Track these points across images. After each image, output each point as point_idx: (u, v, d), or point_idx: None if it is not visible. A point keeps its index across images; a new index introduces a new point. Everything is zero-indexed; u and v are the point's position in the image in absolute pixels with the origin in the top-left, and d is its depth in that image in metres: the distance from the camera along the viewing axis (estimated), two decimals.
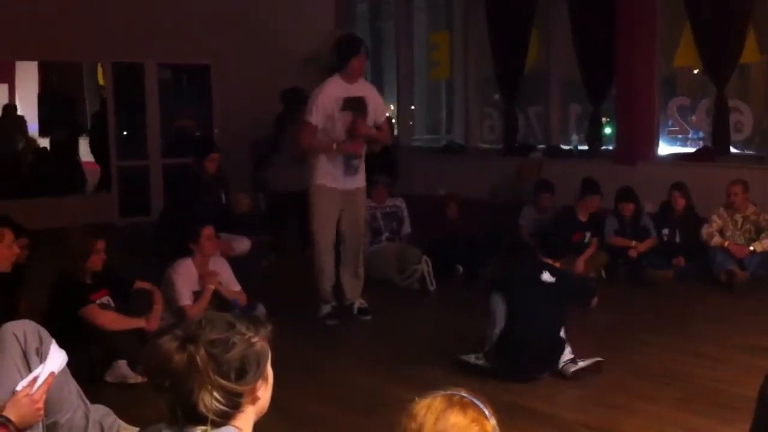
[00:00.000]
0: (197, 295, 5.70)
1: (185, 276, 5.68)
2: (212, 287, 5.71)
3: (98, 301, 5.16)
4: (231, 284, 5.93)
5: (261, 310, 5.99)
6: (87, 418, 3.07)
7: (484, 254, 7.80)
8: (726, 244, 7.32)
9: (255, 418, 1.97)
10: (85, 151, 12.97)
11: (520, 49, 10.51)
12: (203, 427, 1.85)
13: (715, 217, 7.50)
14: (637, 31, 9.24)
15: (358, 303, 6.51)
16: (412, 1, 12.48)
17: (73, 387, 3.12)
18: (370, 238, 7.74)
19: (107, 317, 5.08)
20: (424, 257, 7.43)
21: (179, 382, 1.85)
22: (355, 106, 6.16)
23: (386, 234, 7.94)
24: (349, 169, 6.21)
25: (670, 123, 9.65)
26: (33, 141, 13.90)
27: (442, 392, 1.75)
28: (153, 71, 11.19)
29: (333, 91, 6.10)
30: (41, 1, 10.08)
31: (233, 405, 1.88)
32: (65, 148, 12.84)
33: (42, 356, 2.94)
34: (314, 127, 6.08)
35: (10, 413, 2.81)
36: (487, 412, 1.74)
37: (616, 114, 9.75)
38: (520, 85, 10.75)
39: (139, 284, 5.53)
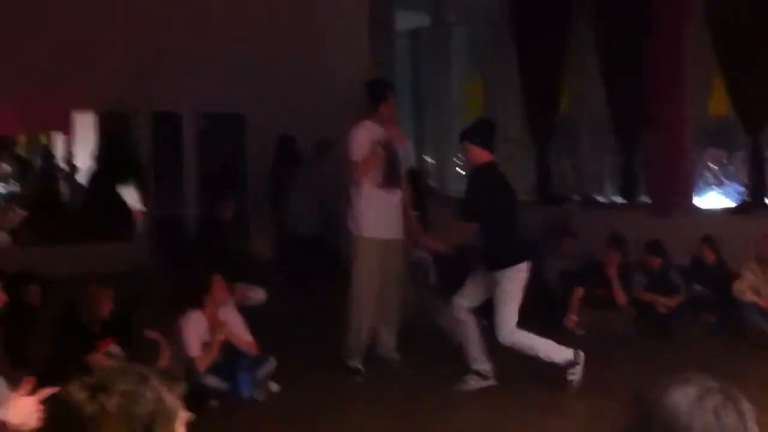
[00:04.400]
0: (207, 346, 5.68)
1: (194, 326, 5.66)
2: (222, 337, 5.68)
3: (105, 350, 5.20)
4: (242, 334, 5.90)
5: (272, 362, 5.91)
6: None
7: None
8: (762, 302, 7.06)
9: None
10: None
11: (551, 99, 10.44)
12: None
13: (747, 273, 7.26)
14: (668, 81, 9.11)
15: (396, 355, 6.45)
16: (450, 52, 12.58)
17: None
18: None
19: None
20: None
21: None
22: (388, 148, 6.25)
23: (411, 284, 7.85)
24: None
25: (706, 174, 9.46)
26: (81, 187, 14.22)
27: None
28: (191, 121, 11.41)
29: (368, 134, 6.21)
30: (96, 54, 10.36)
31: None
32: (113, 197, 13.06)
33: None
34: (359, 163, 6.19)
35: (10, 414, 2.82)
36: None
37: (645, 165, 9.57)
38: (552, 134, 10.66)
39: (148, 333, 5.54)
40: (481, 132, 5.99)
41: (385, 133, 6.24)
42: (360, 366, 6.25)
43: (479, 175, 5.90)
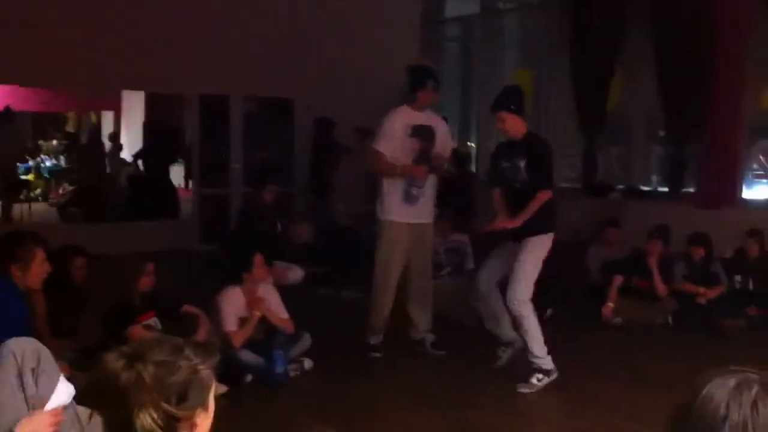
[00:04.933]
0: (244, 321, 5.77)
1: (232, 302, 5.75)
2: (258, 313, 5.76)
3: (144, 323, 5.31)
4: (279, 311, 5.98)
5: (307, 339, 6.01)
6: None
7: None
8: None
9: None
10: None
11: (602, 89, 10.33)
12: None
13: None
14: (724, 73, 8.95)
15: (431, 337, 6.47)
16: (502, 39, 12.52)
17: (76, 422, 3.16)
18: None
19: None
20: None
21: (122, 401, 1.87)
22: (424, 133, 6.17)
23: (448, 269, 7.89)
24: (407, 198, 6.14)
25: (754, 167, 9.29)
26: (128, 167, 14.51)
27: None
28: (238, 104, 11.53)
29: (401, 119, 6.16)
30: (146, 35, 10.54)
31: (169, 429, 1.87)
32: (159, 175, 13.31)
33: (37, 377, 2.99)
34: (382, 155, 6.14)
35: (21, 428, 2.88)
36: None
37: (699, 157, 9.44)
38: (602, 124, 10.56)
39: (187, 308, 5.66)
40: (516, 99, 5.71)
41: (421, 118, 6.18)
42: (378, 343, 6.34)
43: (537, 143, 5.72)
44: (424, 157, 6.13)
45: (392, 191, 6.19)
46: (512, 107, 5.58)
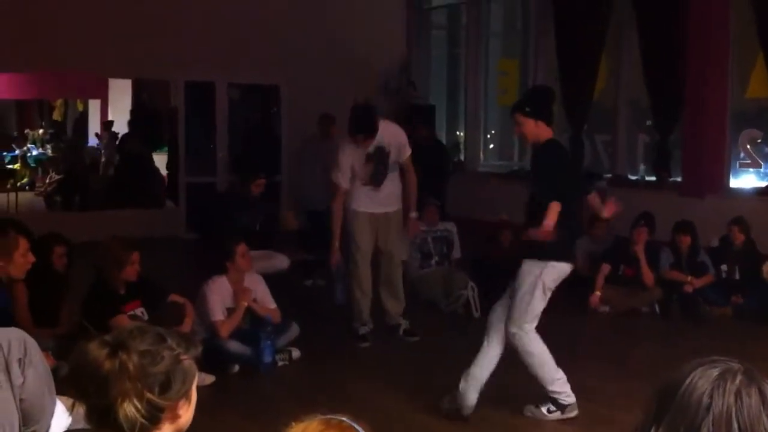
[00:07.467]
0: (231, 311, 5.75)
1: (219, 292, 5.73)
2: (245, 304, 5.75)
3: (130, 312, 5.28)
4: (266, 301, 5.97)
5: (295, 329, 6.00)
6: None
7: None
8: None
9: None
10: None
11: (588, 77, 10.31)
12: None
13: None
14: (708, 60, 8.95)
15: (404, 324, 6.53)
16: (488, 27, 12.48)
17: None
18: (420, 261, 7.74)
19: None
20: (471, 283, 7.34)
21: (105, 389, 1.85)
22: (377, 155, 6.27)
23: (436, 258, 7.87)
24: (379, 175, 6.24)
25: (741, 155, 9.30)
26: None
27: (321, 416, 1.69)
28: (223, 90, 11.46)
29: (353, 152, 6.25)
30: (132, 22, 10.47)
31: (152, 419, 1.87)
32: (143, 163, 13.20)
33: (24, 368, 2.94)
34: (344, 190, 6.27)
35: None
36: None
37: (682, 145, 9.45)
38: (588, 112, 10.55)
39: (174, 297, 5.64)
40: (535, 101, 4.92)
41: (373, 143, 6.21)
42: (366, 333, 6.39)
43: (545, 151, 4.78)
44: (379, 172, 6.28)
45: (354, 188, 6.29)
46: (527, 109, 4.77)
